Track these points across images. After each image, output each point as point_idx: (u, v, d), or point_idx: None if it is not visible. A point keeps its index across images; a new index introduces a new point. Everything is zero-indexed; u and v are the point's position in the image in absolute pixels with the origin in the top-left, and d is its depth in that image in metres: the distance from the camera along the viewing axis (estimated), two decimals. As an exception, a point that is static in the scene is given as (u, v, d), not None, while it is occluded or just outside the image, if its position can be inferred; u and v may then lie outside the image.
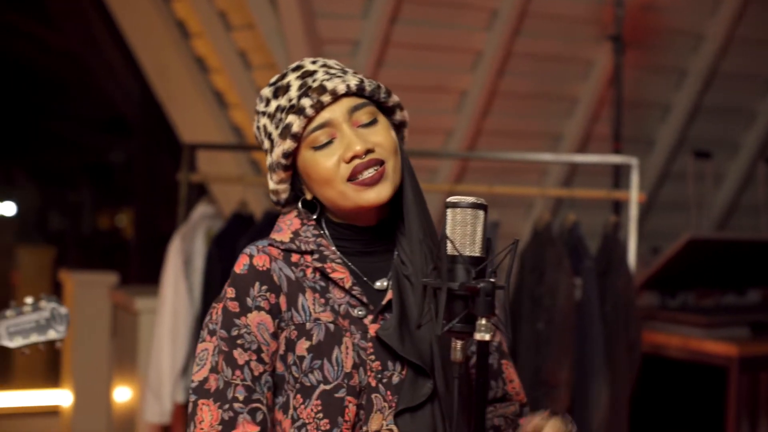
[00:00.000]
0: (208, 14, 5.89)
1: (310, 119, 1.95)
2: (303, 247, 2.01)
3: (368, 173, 1.94)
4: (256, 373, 1.94)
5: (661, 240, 6.58)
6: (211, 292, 4.74)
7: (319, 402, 1.93)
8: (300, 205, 2.06)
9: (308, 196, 2.04)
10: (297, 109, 1.95)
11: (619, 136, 5.15)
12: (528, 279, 4.44)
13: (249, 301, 1.96)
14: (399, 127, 2.07)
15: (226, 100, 6.45)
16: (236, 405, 1.92)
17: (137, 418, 5.68)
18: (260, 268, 1.98)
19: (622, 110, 5.16)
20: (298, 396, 1.95)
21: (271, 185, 2.04)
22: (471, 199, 1.77)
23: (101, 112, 10.21)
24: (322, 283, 2.00)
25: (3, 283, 9.19)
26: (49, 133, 10.72)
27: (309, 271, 2.00)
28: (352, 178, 1.95)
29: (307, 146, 1.97)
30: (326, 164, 1.95)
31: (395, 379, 1.96)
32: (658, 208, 6.66)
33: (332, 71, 2.01)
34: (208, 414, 1.93)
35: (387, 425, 1.95)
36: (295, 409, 1.95)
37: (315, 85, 1.96)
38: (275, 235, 2.04)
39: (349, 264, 2.03)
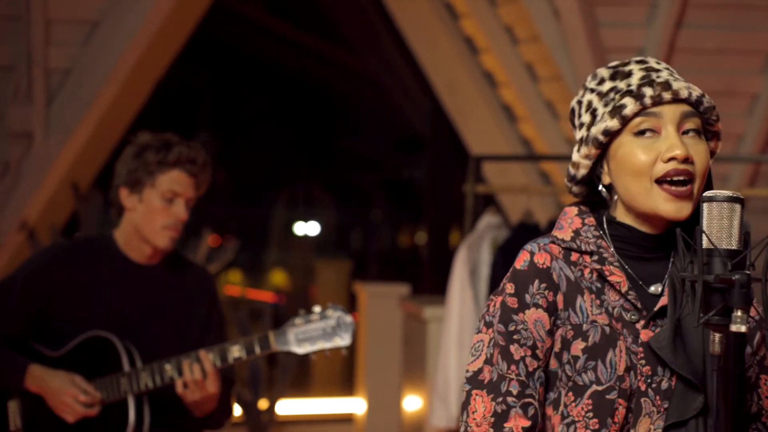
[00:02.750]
0: (494, 29, 5.97)
1: (644, 108, 1.96)
2: (583, 247, 2.01)
3: (679, 185, 1.93)
4: (530, 369, 1.97)
5: None
6: (496, 301, 4.79)
7: (590, 402, 1.94)
8: (601, 187, 2.04)
9: (606, 181, 2.03)
10: (636, 94, 1.95)
11: None
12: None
13: (528, 297, 1.98)
14: (710, 155, 2.04)
15: (515, 113, 6.51)
16: (509, 399, 1.96)
17: (426, 426, 5.80)
18: (540, 266, 1.99)
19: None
20: (570, 394, 1.96)
21: (576, 157, 2.03)
22: (727, 193, 1.75)
23: (396, 130, 10.48)
24: (599, 285, 2.00)
25: (302, 297, 9.55)
26: (346, 153, 11.07)
27: (587, 272, 2.01)
28: (661, 180, 1.94)
29: (630, 131, 1.96)
30: (643, 156, 1.95)
31: (664, 385, 1.94)
32: None
33: (676, 75, 2.01)
34: (481, 405, 1.97)
35: (654, 429, 1.94)
36: (566, 406, 1.96)
37: (660, 80, 1.96)
38: (557, 233, 2.05)
39: (626, 267, 2.02)
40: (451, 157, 7.85)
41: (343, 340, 3.21)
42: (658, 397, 1.94)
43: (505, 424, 1.95)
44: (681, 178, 1.92)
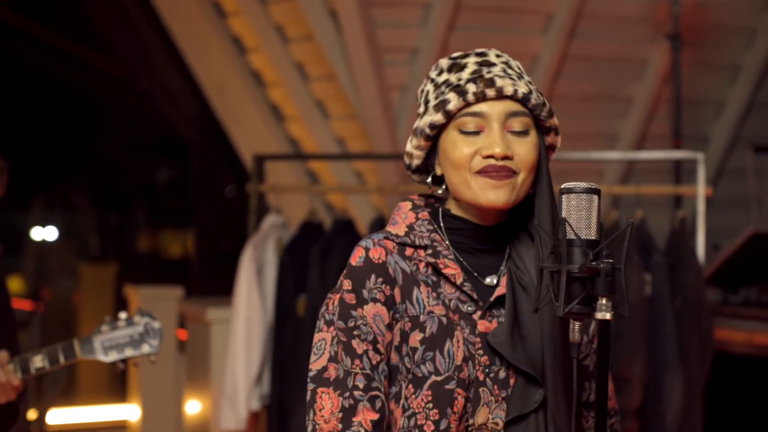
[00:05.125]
0: (264, 28, 5.97)
1: (467, 104, 1.98)
2: (417, 242, 2.04)
3: (497, 176, 1.97)
4: (374, 362, 1.98)
5: (719, 237, 6.58)
6: (283, 300, 4.80)
7: (429, 392, 1.97)
8: (430, 179, 2.09)
9: (438, 172, 2.06)
10: (460, 90, 1.98)
11: (680, 133, 5.18)
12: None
13: (365, 293, 2.00)
14: (547, 149, 2.08)
15: (283, 112, 6.53)
16: (356, 393, 1.97)
17: (211, 429, 5.75)
18: (376, 261, 2.01)
19: (681, 107, 5.19)
20: (410, 386, 1.98)
21: (409, 147, 2.06)
22: (585, 185, 1.81)
23: (158, 134, 10.36)
24: (434, 278, 2.03)
25: (65, 304, 9.29)
26: (104, 158, 10.86)
27: (422, 266, 2.03)
28: (479, 173, 1.98)
29: (455, 127, 1.99)
30: (463, 150, 1.98)
31: (502, 375, 1.99)
32: (716, 206, 6.66)
33: (510, 71, 2.02)
34: (328, 401, 1.97)
35: (493, 419, 1.99)
36: (406, 398, 1.99)
37: (487, 76, 1.99)
38: (391, 228, 2.07)
39: (461, 260, 2.06)
40: (218, 159, 7.80)
41: (151, 347, 3.14)
42: (496, 387, 1.99)
43: (354, 419, 1.95)
44: (500, 174, 1.97)
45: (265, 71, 6.42)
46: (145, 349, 3.13)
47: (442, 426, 1.96)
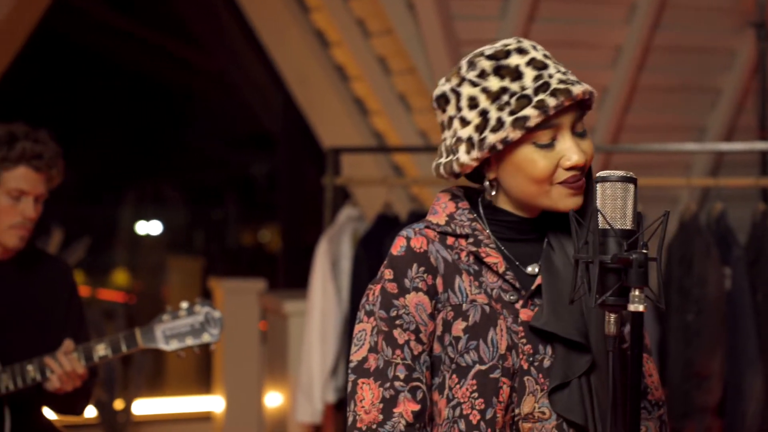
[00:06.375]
0: (346, 22, 5.97)
1: (547, 118, 1.95)
2: (458, 231, 2.03)
3: (577, 182, 1.97)
4: (415, 353, 1.98)
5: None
6: (358, 293, 4.80)
7: (474, 382, 1.95)
8: (486, 183, 2.05)
9: (491, 176, 2.03)
10: (538, 105, 1.94)
11: (765, 124, 5.05)
12: (676, 270, 4.39)
13: (407, 282, 1.99)
14: None
15: (367, 106, 6.53)
16: (397, 383, 1.96)
17: (289, 422, 5.78)
18: (417, 250, 2.01)
19: (767, 98, 5.06)
20: (454, 376, 1.97)
21: (464, 158, 2.00)
22: (620, 173, 1.78)
23: (246, 127, 10.43)
24: (476, 267, 2.02)
25: (154, 296, 9.41)
26: (194, 151, 10.97)
27: (463, 255, 2.02)
28: (563, 183, 1.97)
29: (530, 140, 1.96)
30: (544, 164, 1.96)
31: (546, 363, 1.97)
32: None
33: (562, 69, 2.00)
34: (368, 392, 1.97)
35: (539, 408, 1.97)
36: (450, 389, 1.98)
37: (558, 85, 1.95)
38: (431, 218, 2.06)
39: (503, 249, 2.04)
40: (304, 153, 7.83)
41: (212, 336, 3.17)
42: (540, 375, 1.97)
43: (395, 409, 1.95)
44: (578, 180, 1.97)
45: (349, 65, 6.42)
46: (206, 338, 3.16)
47: (488, 415, 1.95)
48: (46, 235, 5.99)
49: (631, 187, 1.77)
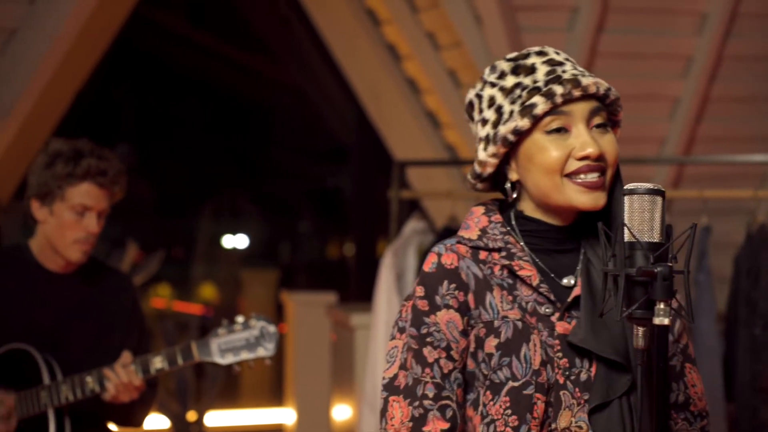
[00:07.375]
0: (416, 36, 5.97)
1: (555, 106, 1.95)
2: (491, 245, 2.01)
3: (591, 177, 1.94)
4: (445, 371, 1.96)
5: None
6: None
7: (507, 399, 1.93)
8: (508, 185, 2.04)
9: (513, 177, 2.02)
10: (546, 93, 1.94)
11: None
12: (743, 283, 4.32)
13: (438, 299, 1.98)
14: None
15: (439, 119, 6.53)
16: (426, 402, 1.95)
17: (357, 433, 5.79)
18: (448, 267, 1.99)
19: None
20: (488, 393, 1.95)
21: (482, 156, 2.01)
22: (648, 186, 1.75)
23: (321, 140, 10.50)
24: (510, 281, 1.99)
25: (230, 309, 9.51)
26: (271, 164, 11.06)
27: (497, 269, 2.00)
28: (572, 175, 1.94)
29: (540, 129, 1.95)
30: (554, 153, 1.94)
31: (583, 376, 1.94)
32: None
33: (580, 68, 2.00)
34: (398, 411, 1.96)
35: (576, 422, 1.94)
36: (484, 405, 1.95)
37: (568, 77, 1.95)
38: (463, 233, 2.04)
39: (537, 261, 2.02)
40: (377, 165, 7.87)
41: (266, 351, 3.18)
42: (577, 389, 1.94)
43: (424, 428, 1.94)
44: (593, 174, 1.94)
45: (420, 78, 6.43)
46: (261, 352, 3.17)
47: None
48: (120, 249, 6.07)
49: (659, 199, 1.75)
